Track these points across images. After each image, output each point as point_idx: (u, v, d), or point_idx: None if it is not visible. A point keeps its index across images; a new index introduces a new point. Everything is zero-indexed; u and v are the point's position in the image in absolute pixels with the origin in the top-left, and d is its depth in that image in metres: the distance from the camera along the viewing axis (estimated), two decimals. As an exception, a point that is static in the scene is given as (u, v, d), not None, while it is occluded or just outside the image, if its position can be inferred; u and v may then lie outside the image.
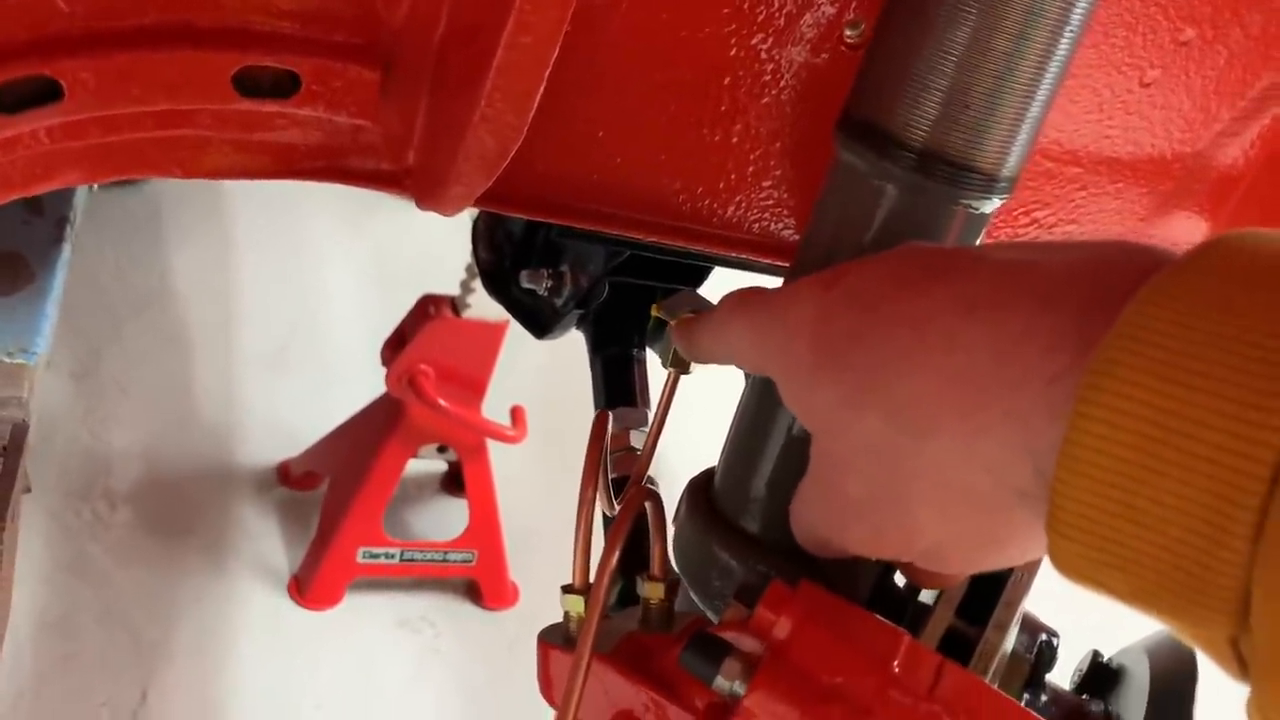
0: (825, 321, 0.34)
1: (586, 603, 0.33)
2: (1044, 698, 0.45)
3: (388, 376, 1.51)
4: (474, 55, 0.45)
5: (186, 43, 0.47)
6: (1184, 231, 0.69)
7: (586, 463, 0.36)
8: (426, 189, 0.53)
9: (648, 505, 0.34)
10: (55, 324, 0.90)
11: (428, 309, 1.48)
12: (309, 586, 1.56)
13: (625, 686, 0.33)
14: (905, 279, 0.33)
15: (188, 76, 0.46)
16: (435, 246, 1.55)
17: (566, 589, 0.36)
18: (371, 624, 1.58)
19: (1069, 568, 0.28)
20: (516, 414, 1.59)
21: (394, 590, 1.63)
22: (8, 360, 0.79)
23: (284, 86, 0.49)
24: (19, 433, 0.74)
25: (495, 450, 1.62)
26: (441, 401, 1.49)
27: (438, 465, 1.79)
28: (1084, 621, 0.59)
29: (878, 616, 0.30)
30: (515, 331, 0.86)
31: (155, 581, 1.52)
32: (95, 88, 0.46)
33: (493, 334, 1.50)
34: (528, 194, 0.58)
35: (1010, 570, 0.36)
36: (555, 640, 0.38)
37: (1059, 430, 0.27)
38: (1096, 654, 0.51)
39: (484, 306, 1.42)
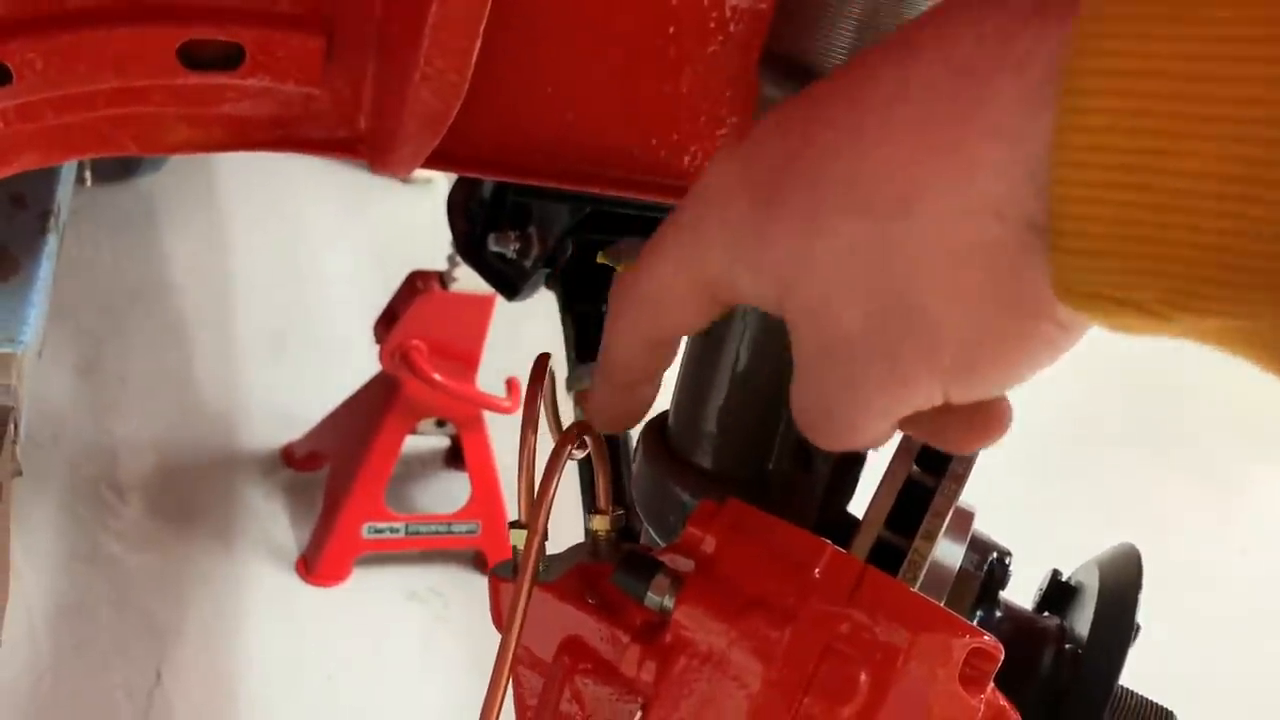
0: (750, 166, 0.29)
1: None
2: (998, 614, 0.46)
3: (381, 353, 1.53)
4: (410, 15, 0.46)
5: (130, 19, 0.47)
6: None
7: (525, 405, 0.38)
8: (378, 152, 0.54)
9: (589, 440, 0.35)
10: (44, 314, 0.92)
11: (416, 284, 1.49)
12: (316, 564, 1.59)
13: (570, 613, 0.35)
14: (827, 81, 0.28)
15: (133, 52, 0.47)
16: (431, 228, 1.55)
17: (514, 524, 0.37)
18: (380, 597, 1.60)
19: (1083, 291, 0.24)
20: (511, 385, 1.60)
21: (402, 564, 1.65)
22: (-5, 348, 0.80)
23: (230, 59, 0.49)
24: (3, 416, 0.76)
25: (496, 421, 1.64)
26: (435, 375, 1.51)
27: (440, 441, 1.80)
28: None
29: (802, 529, 0.31)
30: (514, 305, 0.87)
31: (166, 566, 1.54)
32: (43, 68, 0.47)
33: (482, 306, 1.51)
34: (482, 153, 0.59)
35: (938, 482, 0.37)
36: (504, 574, 0.39)
37: (1048, 120, 0.23)
38: (1056, 572, 0.52)
39: (472, 279, 1.43)
